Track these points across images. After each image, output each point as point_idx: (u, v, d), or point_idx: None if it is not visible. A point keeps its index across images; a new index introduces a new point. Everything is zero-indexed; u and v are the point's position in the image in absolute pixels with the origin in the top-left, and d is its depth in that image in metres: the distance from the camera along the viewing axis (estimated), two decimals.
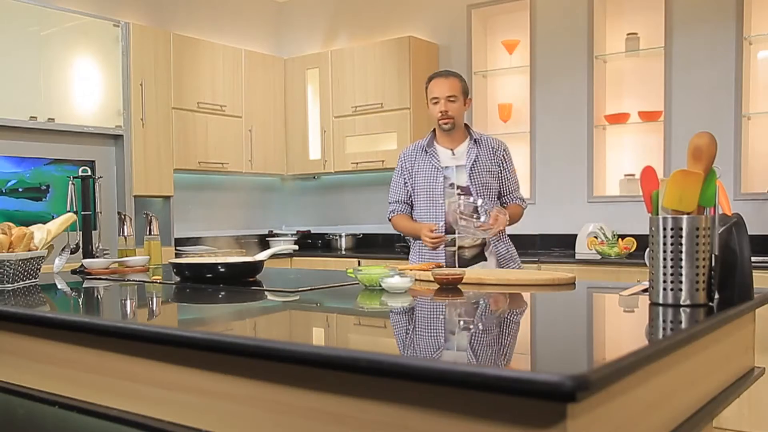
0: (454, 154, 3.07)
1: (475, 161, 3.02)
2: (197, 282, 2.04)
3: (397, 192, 3.17)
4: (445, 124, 3.00)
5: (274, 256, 2.33)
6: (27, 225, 2.16)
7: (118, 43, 4.29)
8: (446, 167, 3.05)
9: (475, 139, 3.07)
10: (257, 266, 2.13)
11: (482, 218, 2.77)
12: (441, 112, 2.99)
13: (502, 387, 0.86)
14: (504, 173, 3.10)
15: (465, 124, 3.12)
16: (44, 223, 2.24)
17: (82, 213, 2.56)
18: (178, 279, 2.11)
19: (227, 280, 2.02)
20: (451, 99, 2.98)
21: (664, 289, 1.38)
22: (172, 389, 1.25)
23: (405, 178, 3.14)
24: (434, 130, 3.10)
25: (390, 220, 3.20)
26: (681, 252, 1.36)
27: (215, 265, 2.08)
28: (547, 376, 0.82)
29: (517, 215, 3.12)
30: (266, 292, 1.87)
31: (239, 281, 2.03)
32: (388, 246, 5.05)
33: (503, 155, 3.10)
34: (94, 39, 4.19)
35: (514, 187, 3.15)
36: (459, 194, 3.00)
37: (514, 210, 3.07)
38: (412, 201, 3.16)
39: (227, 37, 5.29)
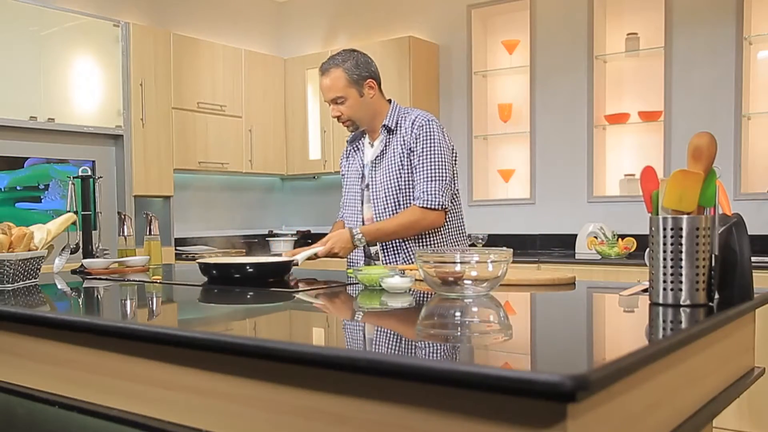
0: (372, 147, 2.52)
1: (380, 155, 2.46)
2: (225, 283, 1.98)
3: (342, 195, 2.68)
4: (347, 127, 2.50)
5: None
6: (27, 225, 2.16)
7: (118, 43, 4.29)
8: (366, 164, 2.53)
9: (385, 126, 2.45)
10: (288, 266, 2.06)
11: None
12: (334, 117, 2.48)
13: (502, 387, 0.86)
14: (413, 156, 2.39)
15: (390, 101, 2.51)
16: (44, 223, 2.24)
17: (82, 213, 2.56)
18: (205, 279, 2.02)
19: (257, 280, 1.95)
20: (338, 101, 2.42)
21: (664, 289, 1.38)
22: (172, 389, 1.25)
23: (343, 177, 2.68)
24: None
25: None
26: (681, 252, 1.36)
27: (244, 265, 1.99)
28: (547, 376, 0.82)
29: (406, 224, 2.35)
30: (294, 294, 1.86)
31: (268, 282, 1.96)
32: None
33: (417, 132, 2.38)
34: (94, 39, 4.19)
35: (420, 176, 2.37)
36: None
37: (398, 219, 2.36)
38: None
39: (227, 37, 5.30)
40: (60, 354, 1.46)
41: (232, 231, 5.37)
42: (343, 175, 2.67)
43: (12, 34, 3.84)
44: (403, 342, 1.22)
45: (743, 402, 3.22)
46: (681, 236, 1.36)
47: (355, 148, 2.59)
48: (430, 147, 2.36)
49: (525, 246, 4.55)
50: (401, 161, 2.41)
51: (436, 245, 2.46)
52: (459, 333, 1.24)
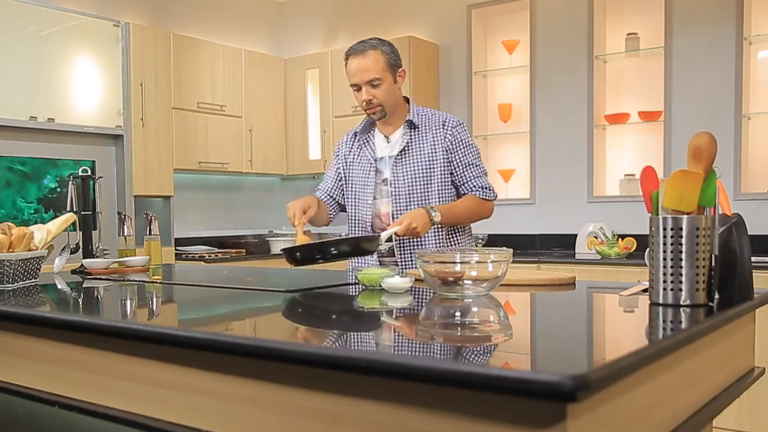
0: (388, 142, 2.48)
1: (404, 150, 2.43)
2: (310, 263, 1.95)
3: (326, 183, 2.61)
4: (373, 114, 2.41)
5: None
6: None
7: (118, 43, 4.29)
8: (380, 158, 2.48)
9: (410, 122, 2.44)
10: (372, 241, 1.99)
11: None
12: (364, 101, 2.38)
13: (502, 387, 0.86)
14: (456, 158, 2.43)
15: (405, 98, 2.51)
16: (44, 223, 2.24)
17: (82, 213, 2.56)
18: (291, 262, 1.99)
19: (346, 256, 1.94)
20: (375, 83, 2.36)
21: (664, 289, 1.38)
22: (172, 389, 1.25)
23: (340, 169, 2.59)
24: None
25: None
26: (681, 252, 1.36)
27: (327, 243, 1.94)
28: (547, 376, 0.82)
29: (472, 209, 2.44)
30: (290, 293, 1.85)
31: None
32: None
33: (454, 133, 2.42)
34: (94, 39, 4.19)
35: (472, 173, 2.44)
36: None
37: (464, 203, 2.42)
38: (339, 197, 2.59)
39: (227, 37, 5.30)
40: (60, 354, 1.46)
41: (232, 231, 5.37)
42: (338, 161, 2.58)
43: (12, 34, 3.84)
44: (403, 342, 1.22)
45: (743, 402, 3.21)
46: (681, 236, 1.36)
47: (365, 140, 2.52)
48: (471, 145, 2.47)
49: (525, 246, 4.55)
50: (430, 159, 2.41)
51: (459, 245, 2.50)
52: (459, 333, 1.24)
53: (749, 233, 1.47)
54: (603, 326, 1.43)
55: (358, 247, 2.02)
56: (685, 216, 1.37)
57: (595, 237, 4.08)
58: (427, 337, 1.22)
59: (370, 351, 1.12)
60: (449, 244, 2.47)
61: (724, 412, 1.40)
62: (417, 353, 1.10)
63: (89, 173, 2.60)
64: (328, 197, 2.61)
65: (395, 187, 2.43)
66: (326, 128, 5.15)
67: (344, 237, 2.03)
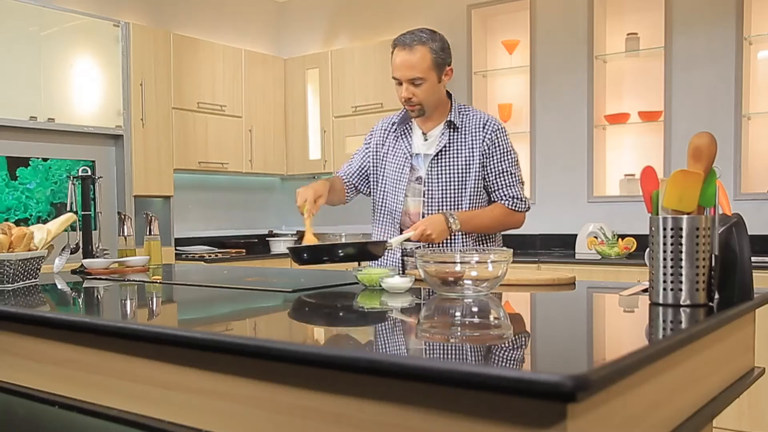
0: (426, 139, 2.38)
1: (441, 151, 2.33)
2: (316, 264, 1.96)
3: (350, 168, 2.50)
4: (412, 111, 2.32)
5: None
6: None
7: (118, 43, 4.29)
8: (416, 154, 2.38)
9: (450, 122, 2.35)
10: (380, 246, 2.00)
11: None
12: (404, 98, 2.29)
13: (502, 387, 0.86)
14: (491, 163, 2.33)
15: (448, 93, 2.40)
16: (44, 223, 2.24)
17: (82, 213, 2.56)
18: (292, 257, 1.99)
19: (348, 260, 1.95)
20: (417, 82, 2.25)
21: (664, 289, 1.38)
22: (172, 389, 1.25)
23: (368, 158, 2.49)
24: None
25: None
26: (681, 252, 1.36)
27: (335, 246, 1.95)
28: (547, 376, 0.82)
29: (498, 219, 2.35)
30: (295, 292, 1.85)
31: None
32: None
33: (492, 138, 2.32)
34: (94, 39, 4.19)
35: (504, 181, 2.34)
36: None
37: (491, 212, 2.34)
38: (360, 185, 2.50)
39: (227, 37, 5.30)
40: (60, 354, 1.46)
41: (232, 231, 5.37)
42: (367, 151, 2.50)
43: (12, 34, 3.84)
44: (403, 342, 1.22)
45: (743, 402, 3.21)
46: (681, 236, 1.36)
47: (402, 132, 2.42)
48: (508, 152, 2.35)
49: (525, 246, 4.55)
50: (467, 163, 2.32)
51: (492, 245, 2.43)
52: (459, 333, 1.24)
53: (749, 233, 1.47)
54: (603, 326, 1.43)
55: (364, 250, 2.04)
56: (685, 216, 1.37)
57: (595, 237, 4.08)
58: (426, 338, 1.22)
59: (370, 351, 1.12)
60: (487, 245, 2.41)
61: (724, 412, 1.40)
62: (417, 353, 1.10)
63: (89, 173, 2.60)
64: (348, 181, 2.50)
65: (429, 188, 2.34)
66: (326, 128, 5.15)
67: (351, 241, 2.07)
